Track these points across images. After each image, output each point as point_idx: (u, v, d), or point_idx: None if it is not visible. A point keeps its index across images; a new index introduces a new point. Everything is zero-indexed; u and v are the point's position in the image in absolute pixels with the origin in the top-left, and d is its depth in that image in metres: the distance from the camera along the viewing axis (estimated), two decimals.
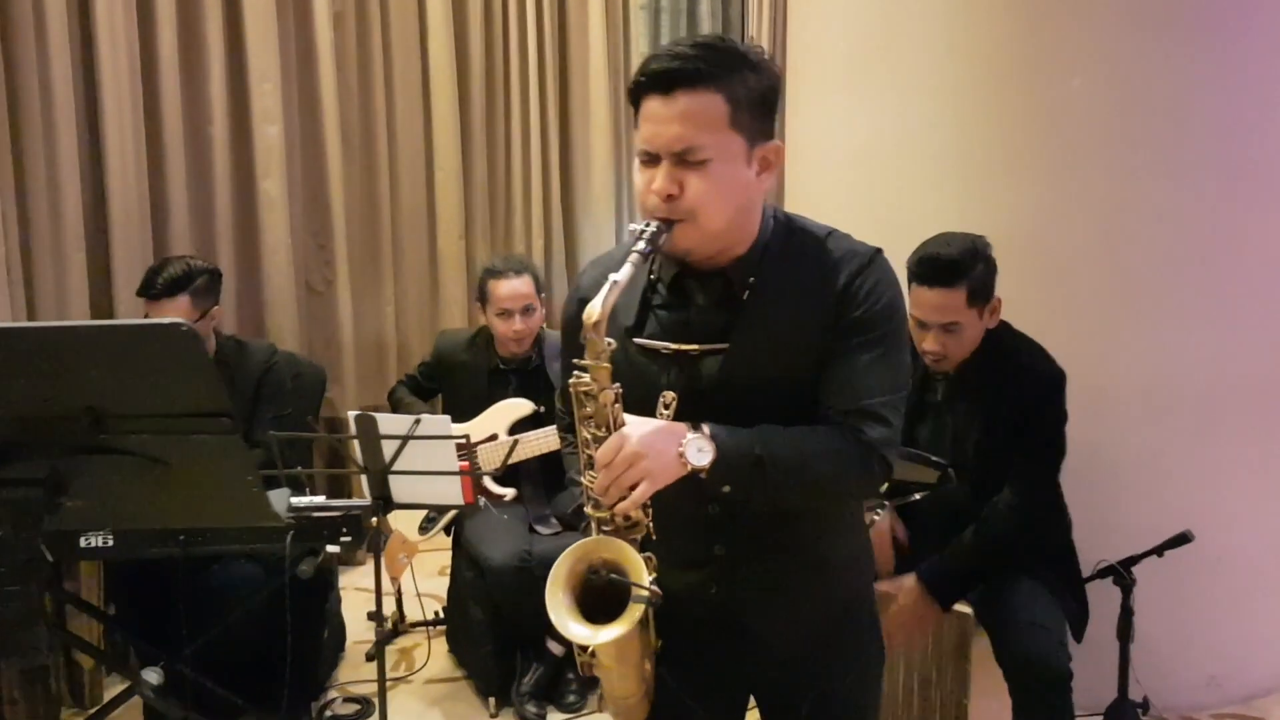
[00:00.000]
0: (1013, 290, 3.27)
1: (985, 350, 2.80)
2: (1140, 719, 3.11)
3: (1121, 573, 3.03)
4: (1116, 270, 3.35)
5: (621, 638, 1.52)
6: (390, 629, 4.10)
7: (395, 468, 2.73)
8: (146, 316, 3.23)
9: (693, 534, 1.67)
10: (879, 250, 1.65)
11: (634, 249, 1.49)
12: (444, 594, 3.99)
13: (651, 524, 1.58)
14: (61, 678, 3.51)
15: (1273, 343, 3.40)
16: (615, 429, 1.49)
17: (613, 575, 1.52)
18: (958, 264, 2.66)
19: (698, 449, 1.48)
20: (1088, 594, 3.02)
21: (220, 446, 1.39)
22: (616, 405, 1.50)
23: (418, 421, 2.65)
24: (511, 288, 3.61)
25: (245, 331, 4.12)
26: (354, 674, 3.77)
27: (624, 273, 1.47)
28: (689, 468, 1.48)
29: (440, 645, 3.95)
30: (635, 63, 5.88)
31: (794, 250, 1.63)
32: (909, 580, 2.77)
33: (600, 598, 1.54)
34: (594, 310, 1.46)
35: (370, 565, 4.09)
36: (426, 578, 4.06)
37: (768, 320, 1.60)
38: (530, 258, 4.91)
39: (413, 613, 4.08)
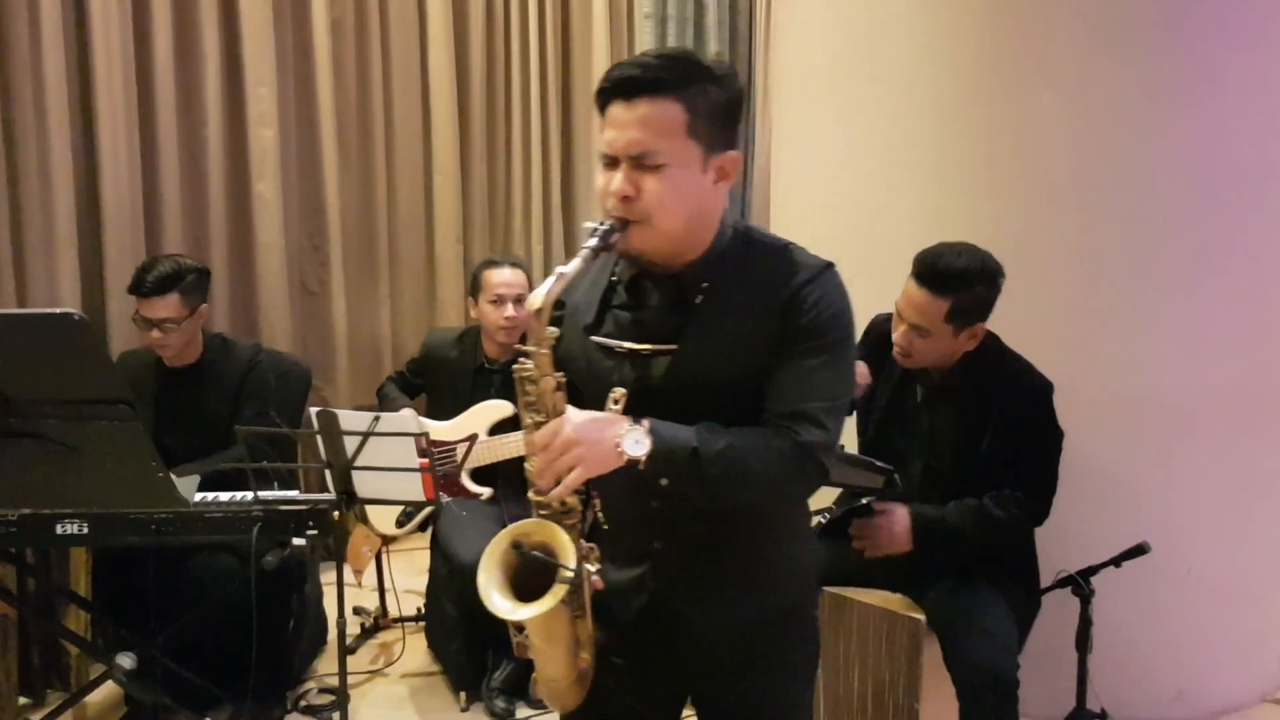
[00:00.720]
0: None
1: (970, 363, 2.81)
2: None
3: (1080, 583, 3.04)
4: (1086, 281, 3.37)
5: (545, 617, 1.58)
6: (372, 623, 4.18)
7: (358, 463, 2.79)
8: (137, 313, 3.33)
9: (635, 529, 1.74)
10: (830, 264, 1.70)
11: (586, 244, 1.56)
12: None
13: (600, 514, 1.67)
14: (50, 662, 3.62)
15: (1241, 353, 3.40)
16: (556, 416, 1.55)
17: (535, 553, 1.57)
18: (953, 277, 2.66)
19: (635, 440, 1.54)
20: (1046, 604, 3.04)
21: (121, 433, 1.46)
22: (558, 393, 1.56)
23: (377, 418, 2.71)
24: (505, 276, 3.67)
25: (238, 331, 4.20)
26: (333, 666, 3.81)
27: (572, 266, 1.54)
28: (625, 458, 1.54)
29: (420, 640, 4.02)
30: None
31: (749, 259, 1.69)
32: (901, 510, 2.79)
33: (534, 580, 1.59)
34: (535, 299, 1.53)
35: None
36: (418, 575, 4.13)
37: (717, 324, 1.66)
38: (528, 261, 4.98)
39: (406, 608, 4.16)
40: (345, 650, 2.87)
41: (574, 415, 1.56)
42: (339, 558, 2.96)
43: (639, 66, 1.59)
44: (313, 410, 2.77)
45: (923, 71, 3.50)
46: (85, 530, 2.83)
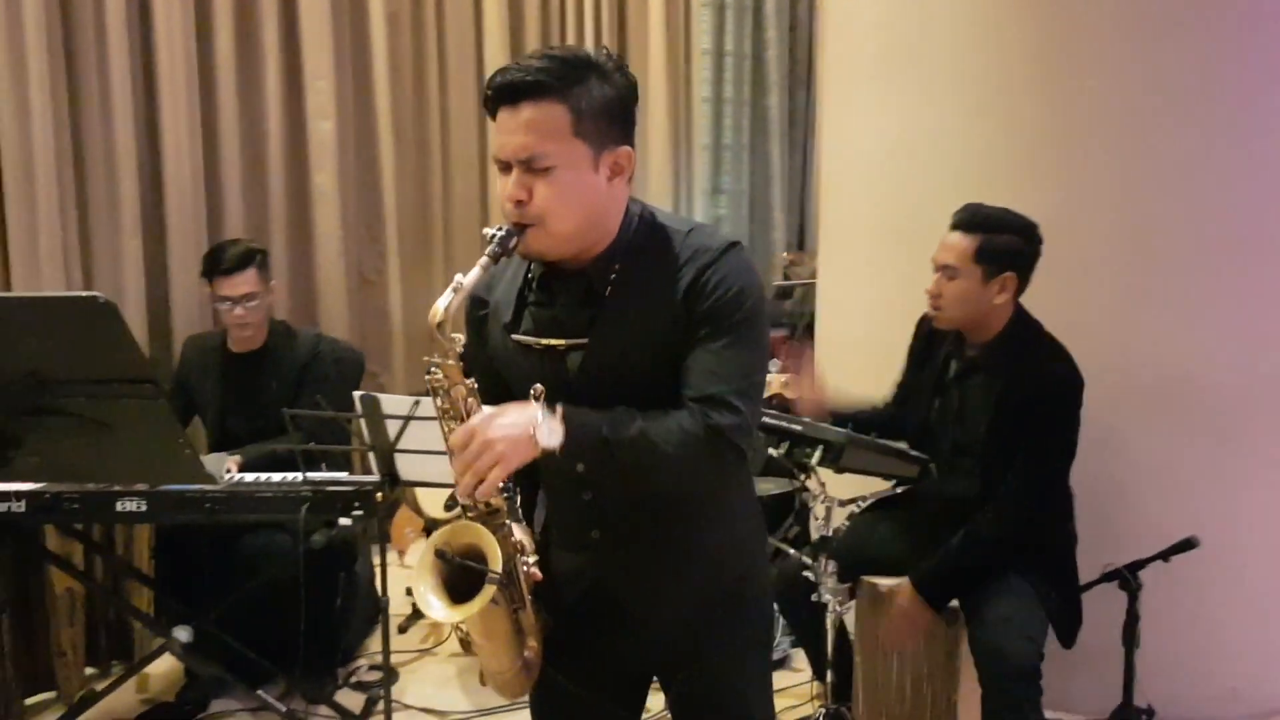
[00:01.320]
0: (1031, 289, 3.27)
1: (1006, 337, 2.82)
2: None
3: (1127, 577, 3.00)
4: (1138, 268, 3.32)
5: (480, 616, 1.62)
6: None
7: (400, 446, 2.86)
8: (212, 295, 3.44)
9: (573, 519, 1.78)
10: (735, 243, 1.70)
11: (485, 252, 1.58)
12: None
13: (519, 509, 1.69)
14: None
15: None
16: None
17: (458, 560, 1.60)
18: (985, 218, 2.72)
19: (549, 430, 1.56)
20: (1093, 598, 3.01)
21: (148, 410, 1.53)
22: (470, 399, 1.59)
23: (417, 402, 2.77)
24: None
25: (297, 319, 4.29)
26: None
27: (471, 276, 1.56)
28: (540, 447, 1.56)
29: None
30: (696, 60, 5.96)
31: (653, 248, 1.70)
32: (904, 584, 2.81)
33: (467, 580, 1.62)
34: (437, 311, 1.55)
35: (417, 542, 4.28)
36: None
37: (624, 316, 1.68)
38: None
39: None
40: (388, 629, 2.93)
41: (485, 416, 1.57)
42: (383, 539, 3.03)
43: (521, 70, 1.58)
44: (356, 394, 2.83)
45: (971, 58, 3.47)
46: (144, 507, 2.98)
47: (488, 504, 1.62)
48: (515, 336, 1.74)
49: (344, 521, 2.98)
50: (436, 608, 1.61)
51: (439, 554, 1.61)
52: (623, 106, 1.66)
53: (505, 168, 1.62)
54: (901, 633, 2.82)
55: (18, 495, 2.91)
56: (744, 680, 1.86)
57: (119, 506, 2.97)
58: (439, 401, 1.61)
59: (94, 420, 1.52)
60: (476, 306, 1.81)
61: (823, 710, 2.80)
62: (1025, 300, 2.93)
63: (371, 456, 2.93)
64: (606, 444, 1.59)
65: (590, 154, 1.62)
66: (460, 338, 1.58)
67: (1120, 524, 3.21)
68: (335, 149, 4.44)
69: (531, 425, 1.56)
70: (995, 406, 2.76)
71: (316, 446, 3.18)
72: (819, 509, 2.72)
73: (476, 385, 1.61)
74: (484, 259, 1.57)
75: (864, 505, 2.76)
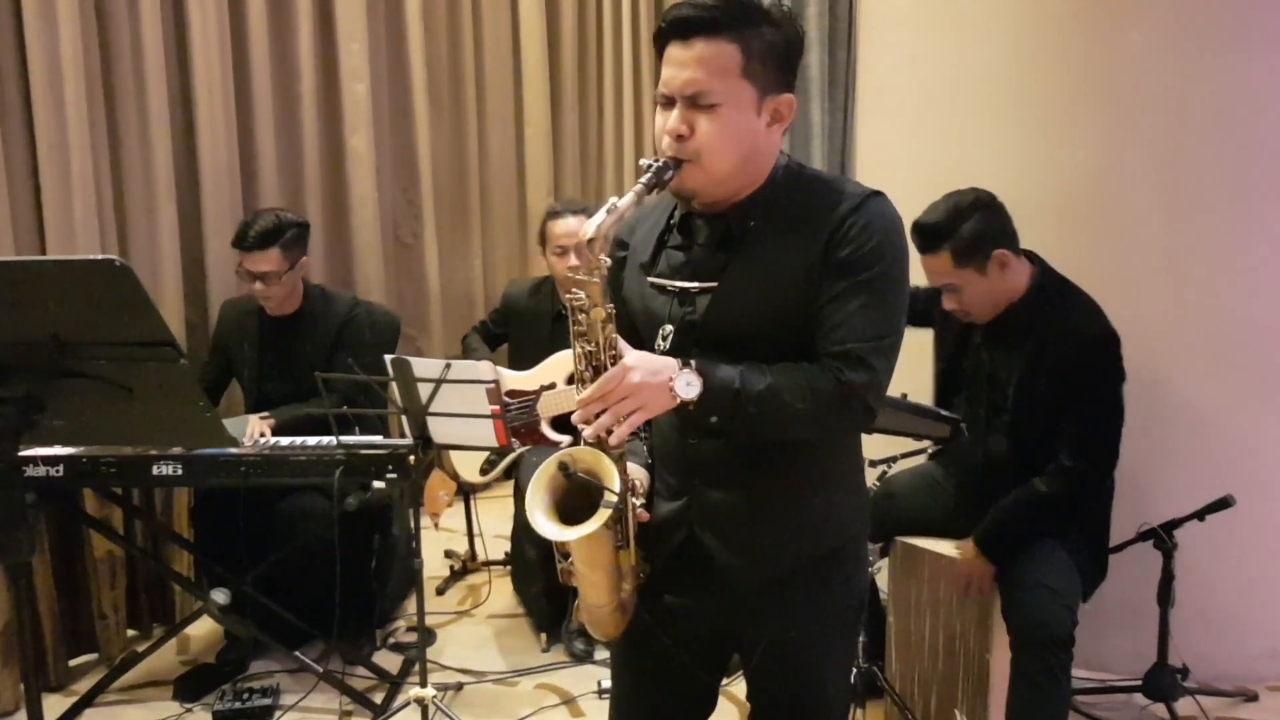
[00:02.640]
0: (1070, 243, 3.25)
1: (1028, 302, 2.78)
2: (1180, 685, 3.06)
3: (1163, 536, 2.98)
4: (1177, 226, 3.26)
5: (589, 541, 1.64)
6: (460, 566, 4.30)
7: (432, 409, 2.86)
8: (240, 266, 3.46)
9: (677, 466, 1.78)
10: (877, 192, 1.68)
11: (639, 180, 1.59)
12: None
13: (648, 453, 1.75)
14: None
15: None
16: (605, 347, 1.59)
17: (580, 474, 1.61)
18: (936, 229, 2.69)
19: (686, 383, 1.58)
20: (1127, 557, 2.99)
21: (168, 373, 1.54)
22: (608, 324, 1.59)
23: (448, 365, 2.77)
24: (569, 226, 3.68)
25: (333, 282, 4.32)
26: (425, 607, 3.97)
27: (625, 200, 1.57)
28: (678, 400, 1.58)
29: (506, 584, 4.13)
30: None
31: (797, 198, 1.69)
32: (967, 545, 2.83)
33: (580, 506, 1.64)
34: (589, 229, 1.55)
35: (457, 506, 4.31)
36: (506, 520, 4.22)
37: (760, 261, 1.67)
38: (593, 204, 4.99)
39: (494, 553, 4.29)
40: (423, 591, 2.96)
41: (634, 360, 1.59)
42: (416, 502, 3.05)
43: (696, 7, 1.60)
44: (388, 357, 2.84)
45: (1009, 12, 3.42)
46: (179, 471, 3.04)
47: (609, 431, 1.61)
48: (651, 279, 1.76)
49: (378, 485, 3.01)
50: (547, 526, 1.62)
51: (562, 467, 1.62)
52: (790, 54, 1.67)
53: (668, 102, 1.64)
54: (966, 585, 2.84)
55: (55, 460, 2.97)
56: (825, 664, 1.84)
57: (155, 470, 3.03)
58: (576, 322, 1.61)
59: (115, 383, 1.54)
60: (618, 248, 1.83)
61: (855, 670, 2.79)
62: (1066, 253, 2.89)
63: (404, 419, 2.94)
64: (739, 397, 1.60)
65: (755, 96, 1.64)
66: (607, 260, 1.58)
67: (1153, 482, 3.18)
68: (369, 111, 4.43)
69: (670, 376, 1.58)
70: (1026, 364, 2.73)
71: (350, 409, 3.20)
72: None
73: (615, 311, 1.61)
74: (639, 185, 1.59)
75: (894, 465, 2.74)
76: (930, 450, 2.72)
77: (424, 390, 2.85)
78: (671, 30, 1.62)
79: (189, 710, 3.27)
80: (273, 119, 4.16)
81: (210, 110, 3.88)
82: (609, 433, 1.58)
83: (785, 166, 1.73)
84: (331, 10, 4.35)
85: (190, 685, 3.38)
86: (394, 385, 2.86)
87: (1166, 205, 3.25)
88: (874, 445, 2.99)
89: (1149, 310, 3.25)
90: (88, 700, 3.26)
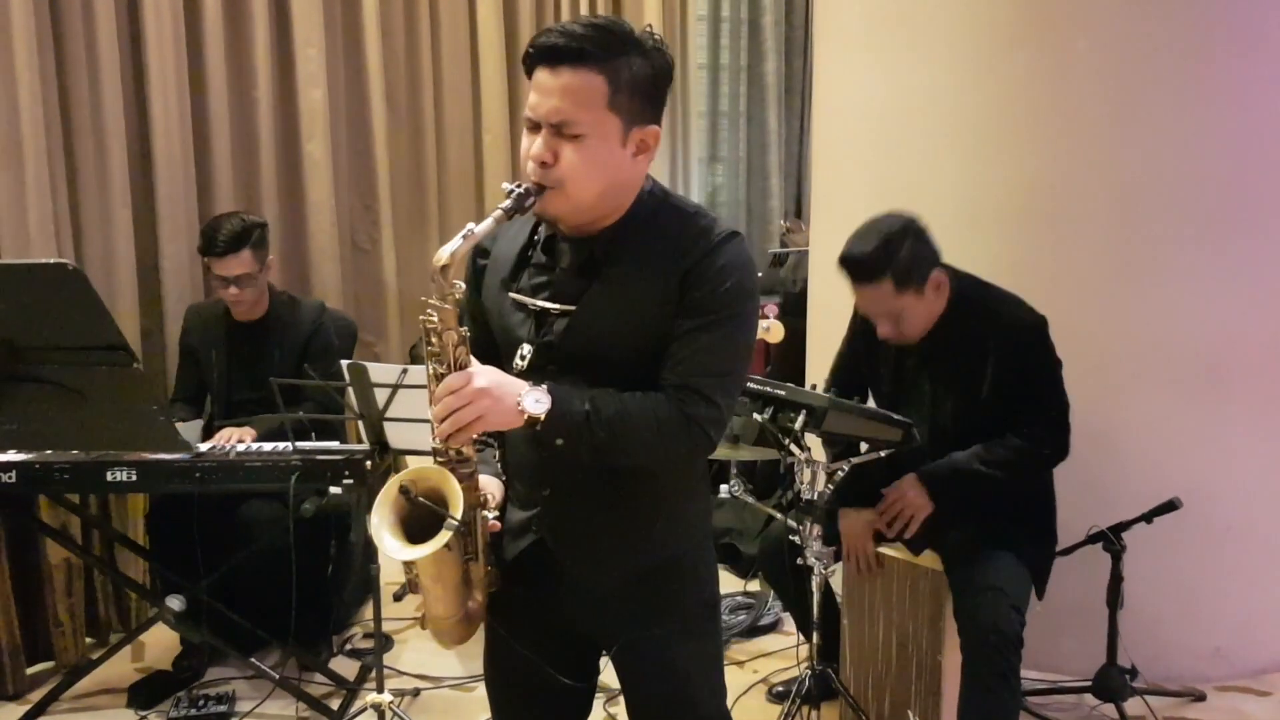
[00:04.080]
0: (1022, 251, 3.30)
1: (953, 313, 2.82)
2: (1128, 685, 3.12)
3: (1111, 539, 3.03)
4: (1125, 232, 3.33)
5: (433, 559, 1.64)
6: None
7: (389, 415, 2.87)
8: (208, 273, 3.44)
9: (528, 475, 1.80)
10: (735, 233, 1.71)
11: (500, 206, 1.59)
12: None
13: (500, 464, 1.75)
14: (110, 604, 3.80)
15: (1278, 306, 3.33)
16: (456, 368, 1.60)
17: (421, 500, 1.62)
18: (873, 260, 2.70)
19: (535, 399, 1.60)
20: (1077, 559, 3.04)
21: (121, 378, 1.54)
22: (461, 347, 1.60)
23: (405, 371, 2.78)
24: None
25: (290, 287, 4.29)
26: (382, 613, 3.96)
27: (482, 226, 1.57)
28: (525, 414, 1.60)
29: None
30: (691, 26, 5.95)
31: (657, 226, 1.71)
32: (905, 478, 2.87)
33: (426, 522, 1.64)
34: (442, 255, 1.56)
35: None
36: None
37: (619, 289, 1.70)
38: None
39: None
40: (379, 597, 2.96)
41: (483, 370, 1.61)
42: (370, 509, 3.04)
43: (564, 35, 1.60)
44: (344, 363, 2.85)
45: (961, 20, 3.47)
46: (134, 477, 3.00)
47: (459, 451, 1.65)
48: (511, 294, 1.77)
49: (334, 490, 3.01)
50: (390, 544, 1.63)
51: (403, 490, 1.63)
52: (657, 86, 1.68)
53: (534, 127, 1.64)
54: (902, 515, 2.87)
55: (8, 466, 2.94)
56: (684, 661, 1.86)
57: (109, 476, 2.98)
58: (429, 344, 1.62)
59: (68, 388, 1.54)
60: (477, 255, 1.84)
61: (809, 670, 2.83)
62: (1017, 260, 2.95)
63: (361, 425, 2.94)
64: (588, 421, 1.62)
65: (621, 127, 1.64)
66: (461, 285, 1.59)
67: (1102, 486, 3.24)
68: (326, 117, 4.42)
69: (519, 392, 1.60)
70: (964, 380, 2.79)
71: (307, 415, 3.20)
72: (804, 473, 2.74)
73: (469, 335, 1.62)
74: (498, 211, 1.59)
75: (848, 469, 2.78)
76: (883, 455, 2.74)
77: (381, 395, 2.86)
78: (539, 56, 1.62)
79: (144, 718, 3.24)
80: (229, 124, 4.14)
81: (166, 115, 3.86)
82: (448, 440, 1.60)
83: (650, 193, 1.75)
84: (289, 15, 4.33)
85: (145, 692, 3.35)
86: (350, 390, 2.87)
87: (1116, 214, 3.31)
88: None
89: (1099, 317, 3.31)
90: (40, 708, 3.22)
